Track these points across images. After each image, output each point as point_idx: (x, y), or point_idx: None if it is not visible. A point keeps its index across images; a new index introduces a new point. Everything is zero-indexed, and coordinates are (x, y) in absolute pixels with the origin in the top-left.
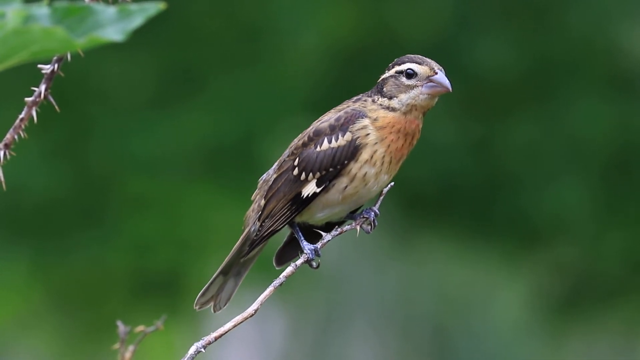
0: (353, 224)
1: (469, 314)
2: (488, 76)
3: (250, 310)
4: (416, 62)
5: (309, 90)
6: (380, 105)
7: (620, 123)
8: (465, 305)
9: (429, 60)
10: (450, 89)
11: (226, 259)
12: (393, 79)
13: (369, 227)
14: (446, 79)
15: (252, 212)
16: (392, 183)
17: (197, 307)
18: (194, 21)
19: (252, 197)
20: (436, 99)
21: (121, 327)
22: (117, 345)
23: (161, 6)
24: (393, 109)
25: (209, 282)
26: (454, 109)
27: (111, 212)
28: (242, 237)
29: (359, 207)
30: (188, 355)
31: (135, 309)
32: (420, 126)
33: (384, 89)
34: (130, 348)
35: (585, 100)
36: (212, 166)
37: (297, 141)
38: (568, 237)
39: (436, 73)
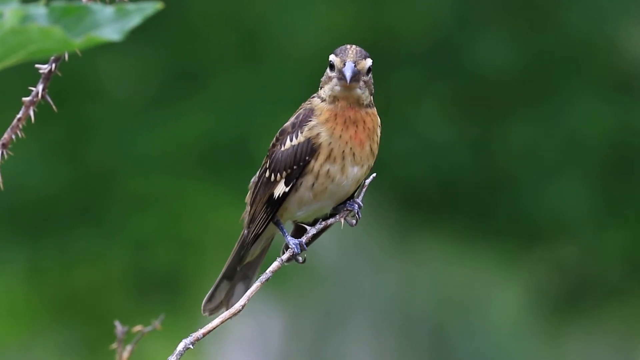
0: (337, 217)
1: (468, 314)
2: (487, 75)
3: (238, 306)
4: (335, 54)
5: (306, 89)
6: (319, 96)
7: (619, 122)
8: (464, 305)
9: (347, 50)
10: (347, 82)
11: (226, 263)
12: (327, 69)
13: (354, 220)
14: (348, 71)
15: (246, 215)
16: (374, 174)
17: (207, 314)
18: (192, 20)
19: (245, 200)
20: (358, 90)
21: (119, 327)
22: (114, 345)
23: (158, 6)
24: (323, 99)
25: (213, 287)
26: (453, 108)
27: (110, 210)
28: (238, 240)
29: (346, 201)
30: (177, 352)
31: (136, 309)
32: (367, 112)
33: (322, 78)
34: (128, 348)
35: (584, 100)
36: (210, 165)
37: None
38: (567, 236)
39: (344, 65)
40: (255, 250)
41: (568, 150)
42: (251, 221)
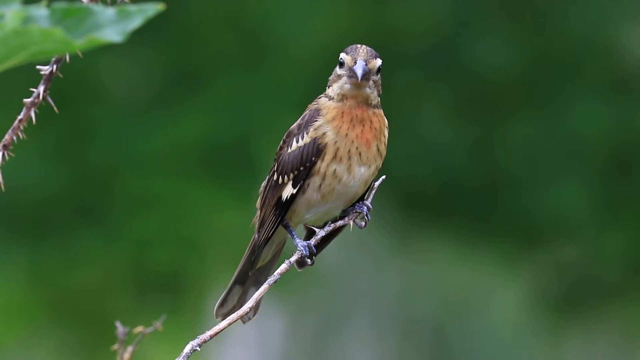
0: (346, 219)
1: (469, 314)
2: (487, 76)
3: (245, 308)
4: (345, 52)
5: (306, 91)
6: (326, 95)
7: (619, 123)
8: (465, 306)
9: (358, 49)
10: (358, 79)
11: (238, 268)
12: (335, 67)
13: (363, 222)
14: (359, 69)
15: (256, 219)
16: (384, 176)
17: (219, 318)
18: (193, 21)
19: (256, 205)
20: (367, 90)
21: (120, 328)
22: (115, 346)
23: (160, 7)
24: (331, 98)
25: (225, 291)
26: (454, 109)
27: (111, 211)
28: (249, 245)
29: (355, 203)
30: (183, 354)
31: (137, 310)
32: (374, 113)
33: (330, 77)
34: (129, 349)
35: (584, 100)
36: (211, 166)
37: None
38: (568, 237)
39: (355, 63)
40: (267, 254)
41: (568, 151)
42: (261, 225)
